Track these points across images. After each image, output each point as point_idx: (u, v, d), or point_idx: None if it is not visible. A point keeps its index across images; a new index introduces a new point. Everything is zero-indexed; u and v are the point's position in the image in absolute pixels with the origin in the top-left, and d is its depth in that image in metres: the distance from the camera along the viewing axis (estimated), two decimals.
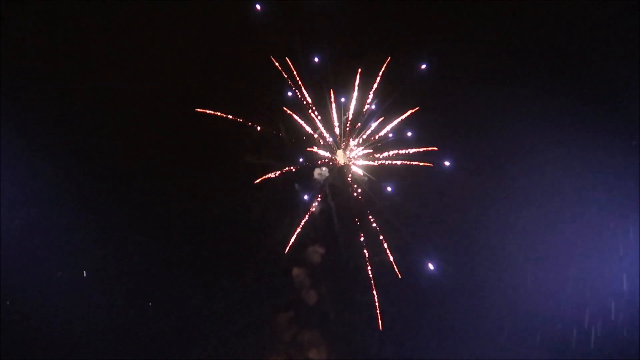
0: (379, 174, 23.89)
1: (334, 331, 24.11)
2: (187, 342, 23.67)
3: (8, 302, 21.47)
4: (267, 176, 23.49)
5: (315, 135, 24.01)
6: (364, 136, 24.02)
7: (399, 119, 23.53)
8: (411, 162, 23.37)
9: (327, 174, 24.19)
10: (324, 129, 23.98)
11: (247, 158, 23.59)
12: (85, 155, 23.40)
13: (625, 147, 21.47)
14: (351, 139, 24.09)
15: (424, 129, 23.55)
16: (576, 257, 21.44)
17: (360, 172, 24.11)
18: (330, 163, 24.36)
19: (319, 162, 24.28)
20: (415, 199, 23.70)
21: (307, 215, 23.73)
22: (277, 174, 23.64)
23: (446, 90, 23.45)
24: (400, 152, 23.51)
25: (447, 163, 23.15)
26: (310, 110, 23.81)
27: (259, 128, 23.72)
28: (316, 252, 24.42)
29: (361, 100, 23.75)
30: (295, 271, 24.36)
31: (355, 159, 24.24)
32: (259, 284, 24.29)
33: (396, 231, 23.62)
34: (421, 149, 23.33)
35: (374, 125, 23.76)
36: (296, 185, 24.18)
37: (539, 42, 23.13)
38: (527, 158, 22.56)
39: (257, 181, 23.38)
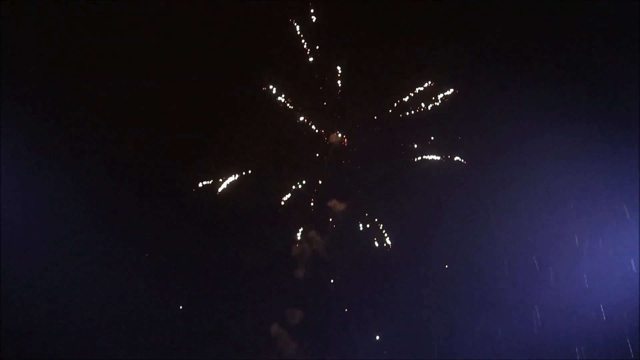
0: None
1: None
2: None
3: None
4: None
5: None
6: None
7: None
8: None
9: None
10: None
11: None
12: (88, 153, 23.48)
13: (626, 148, 21.34)
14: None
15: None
16: (575, 257, 21.44)
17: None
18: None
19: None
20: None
21: None
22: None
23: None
24: None
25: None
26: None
27: None
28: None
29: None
30: None
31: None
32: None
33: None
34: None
35: None
36: None
37: (539, 39, 23.12)
38: (524, 158, 22.59)
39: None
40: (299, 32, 23.55)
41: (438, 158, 24.10)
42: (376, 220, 24.27)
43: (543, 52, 22.87)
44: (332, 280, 24.40)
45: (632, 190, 20.55)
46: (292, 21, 23.61)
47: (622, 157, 20.99)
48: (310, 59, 23.79)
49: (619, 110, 21.71)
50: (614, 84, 21.90)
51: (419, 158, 24.33)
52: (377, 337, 24.10)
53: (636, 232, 20.32)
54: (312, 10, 23.31)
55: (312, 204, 24.55)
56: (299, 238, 24.65)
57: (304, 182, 24.61)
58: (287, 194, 24.44)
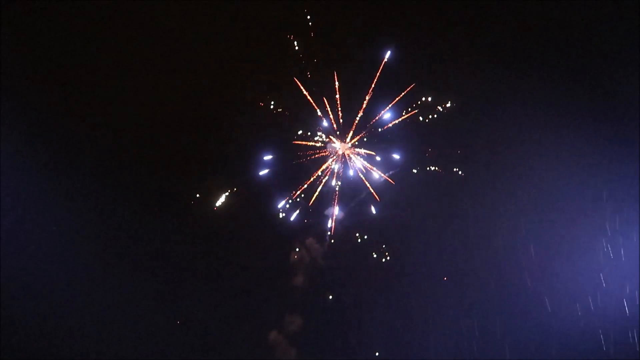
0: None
1: None
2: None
3: None
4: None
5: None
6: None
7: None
8: None
9: None
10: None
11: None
12: (89, 153, 24.28)
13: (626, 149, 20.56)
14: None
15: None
16: (575, 258, 20.72)
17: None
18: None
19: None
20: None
21: None
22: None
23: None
24: None
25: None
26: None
27: None
28: None
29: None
30: None
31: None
32: None
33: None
34: None
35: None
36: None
37: (537, 40, 23.05)
38: (522, 158, 22.29)
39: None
40: (297, 48, 24.46)
41: (437, 168, 23.97)
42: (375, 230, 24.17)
43: (542, 55, 22.82)
44: (330, 288, 24.23)
45: (632, 191, 19.75)
46: (291, 37, 24.57)
47: (622, 160, 20.33)
48: (308, 74, 24.56)
49: (619, 112, 21.15)
50: (614, 85, 21.39)
51: (418, 168, 24.26)
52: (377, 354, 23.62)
53: (637, 233, 19.43)
54: (310, 24, 24.25)
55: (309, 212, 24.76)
56: (296, 248, 24.78)
57: (302, 194, 24.88)
58: (285, 204, 24.79)
